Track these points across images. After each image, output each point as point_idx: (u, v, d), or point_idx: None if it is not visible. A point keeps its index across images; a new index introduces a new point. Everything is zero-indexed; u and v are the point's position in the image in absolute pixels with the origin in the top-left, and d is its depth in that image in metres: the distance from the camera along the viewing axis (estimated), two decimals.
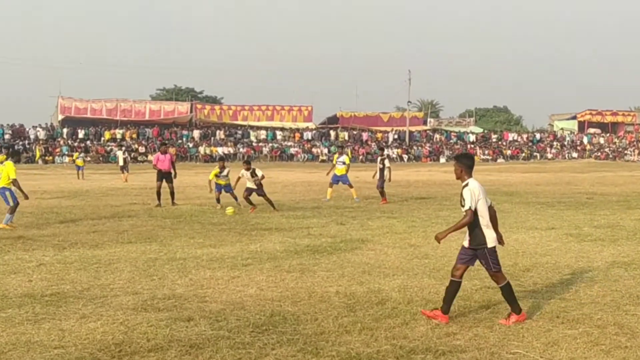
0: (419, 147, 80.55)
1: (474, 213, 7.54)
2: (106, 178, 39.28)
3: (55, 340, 7.02)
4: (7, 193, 16.10)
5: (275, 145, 76.50)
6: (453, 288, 7.75)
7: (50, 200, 23.72)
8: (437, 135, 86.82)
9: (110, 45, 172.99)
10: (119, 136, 71.95)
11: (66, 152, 64.51)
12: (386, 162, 22.92)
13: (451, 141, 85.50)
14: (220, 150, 70.88)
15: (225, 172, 21.01)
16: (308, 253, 12.30)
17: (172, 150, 65.15)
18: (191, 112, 79.30)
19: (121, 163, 39.29)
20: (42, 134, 69.82)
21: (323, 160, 70.65)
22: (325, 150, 75.12)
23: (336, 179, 23.49)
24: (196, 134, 75.42)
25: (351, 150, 75.78)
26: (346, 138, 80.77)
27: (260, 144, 76.38)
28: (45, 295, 8.98)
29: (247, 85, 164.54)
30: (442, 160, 76.76)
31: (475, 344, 6.88)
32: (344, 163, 23.53)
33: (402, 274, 10.35)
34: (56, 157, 65.07)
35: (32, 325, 7.56)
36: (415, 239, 13.91)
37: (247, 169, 20.00)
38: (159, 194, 21.49)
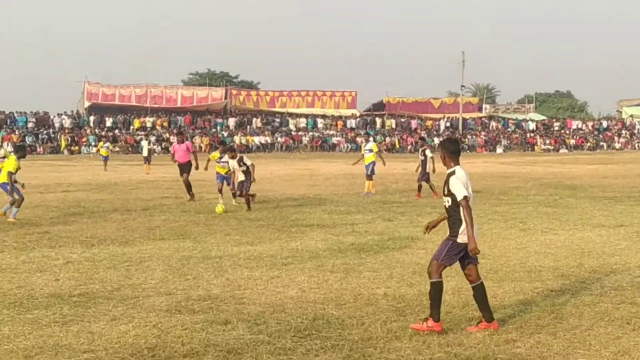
0: (474, 136, 79.97)
1: (457, 203, 7.47)
2: (135, 170, 39.83)
3: (84, 344, 7.14)
4: (9, 187, 16.58)
5: (316, 134, 76.52)
6: (478, 292, 7.65)
7: (76, 194, 24.14)
8: (493, 123, 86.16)
9: (140, 27, 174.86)
10: (149, 125, 72.54)
11: (93, 142, 65.14)
12: (427, 152, 22.95)
13: (509, 129, 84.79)
14: (257, 139, 71.22)
15: (224, 159, 20.68)
16: (353, 252, 12.31)
17: (205, 140, 65.69)
18: (226, 98, 79.83)
19: (145, 154, 40.01)
20: (67, 122, 70.82)
21: None
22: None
23: (368, 169, 23.73)
24: (231, 122, 75.85)
25: (399, 139, 75.59)
26: (393, 126, 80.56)
27: (300, 132, 76.50)
28: (73, 296, 9.14)
29: (286, 69, 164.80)
30: (499, 150, 76.19)
31: (538, 352, 6.82)
32: (371, 151, 24.09)
33: (457, 275, 10.24)
34: (82, 147, 65.86)
35: (59, 328, 7.70)
36: None
37: (233, 157, 19.40)
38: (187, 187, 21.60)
